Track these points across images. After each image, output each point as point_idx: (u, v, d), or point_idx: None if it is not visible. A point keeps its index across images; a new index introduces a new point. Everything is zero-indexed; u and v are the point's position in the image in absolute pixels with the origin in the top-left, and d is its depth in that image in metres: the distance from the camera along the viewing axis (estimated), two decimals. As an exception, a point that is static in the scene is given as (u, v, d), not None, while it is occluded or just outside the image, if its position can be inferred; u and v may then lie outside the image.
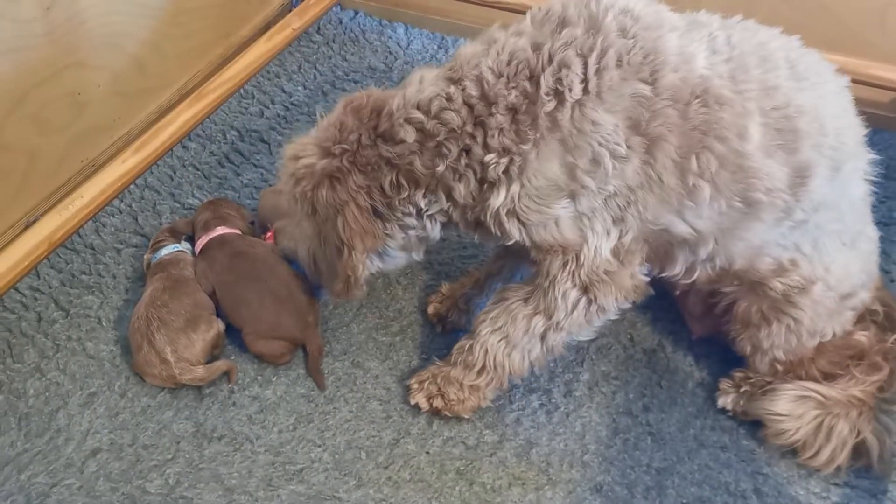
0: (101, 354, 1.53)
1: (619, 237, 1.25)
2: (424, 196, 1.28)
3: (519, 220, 1.24)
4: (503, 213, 1.24)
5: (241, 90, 2.08)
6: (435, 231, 1.35)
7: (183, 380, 1.43)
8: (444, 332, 1.59)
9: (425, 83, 1.24)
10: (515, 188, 1.22)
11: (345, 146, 1.26)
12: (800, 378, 1.42)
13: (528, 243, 1.28)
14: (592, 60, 1.16)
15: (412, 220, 1.32)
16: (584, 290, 1.30)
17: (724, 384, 1.48)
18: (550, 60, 1.17)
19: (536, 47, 1.19)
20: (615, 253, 1.27)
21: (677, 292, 1.51)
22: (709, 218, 1.24)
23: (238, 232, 1.63)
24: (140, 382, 1.48)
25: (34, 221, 1.58)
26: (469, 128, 1.21)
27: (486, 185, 1.25)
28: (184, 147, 1.97)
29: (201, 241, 1.61)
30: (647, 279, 1.34)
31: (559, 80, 1.16)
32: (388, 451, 1.41)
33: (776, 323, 1.37)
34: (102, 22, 1.75)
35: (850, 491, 1.37)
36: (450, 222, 1.34)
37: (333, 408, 1.47)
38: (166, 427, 1.43)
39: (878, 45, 1.94)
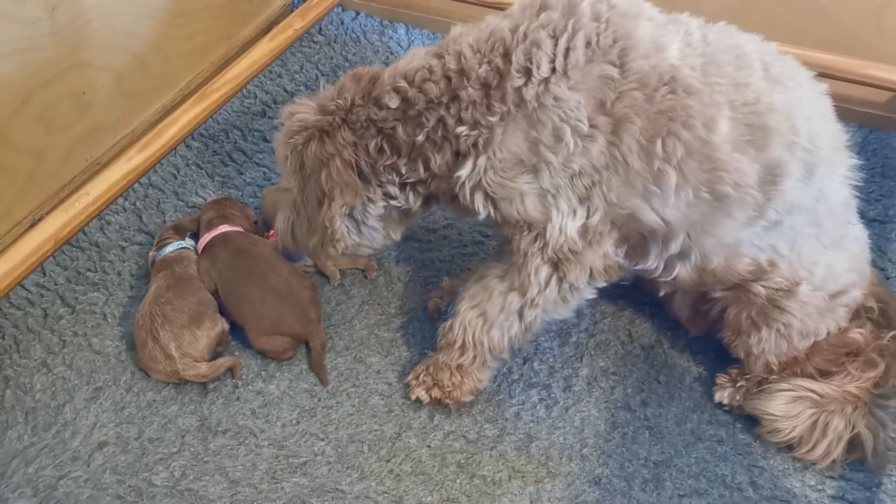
0: (106, 350, 1.55)
1: (586, 217, 1.27)
2: (405, 164, 1.34)
3: (485, 193, 1.29)
4: (469, 185, 1.29)
5: (244, 90, 2.10)
6: (416, 204, 1.40)
7: (186, 375, 1.45)
8: None
9: (415, 56, 1.32)
10: (482, 161, 1.26)
11: (339, 102, 1.33)
12: (796, 375, 1.43)
13: (497, 219, 1.32)
14: (562, 41, 1.21)
15: (394, 189, 1.38)
16: (555, 266, 1.32)
17: (721, 379, 1.50)
18: (524, 39, 1.23)
19: (514, 28, 1.25)
20: (582, 233, 1.28)
21: (661, 293, 1.52)
22: (676, 208, 1.25)
23: (241, 230, 1.65)
24: (145, 377, 1.50)
25: (40, 219, 1.60)
26: (445, 99, 1.27)
27: (459, 158, 1.30)
28: (187, 146, 1.99)
29: (204, 239, 1.63)
30: (622, 261, 1.35)
31: (529, 59, 1.21)
32: (389, 445, 1.43)
33: (766, 329, 1.39)
34: (107, 22, 1.77)
35: (845, 483, 1.38)
36: (430, 196, 1.40)
37: (336, 402, 1.49)
38: (171, 421, 1.44)
39: (874, 46, 1.96)
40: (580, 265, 1.31)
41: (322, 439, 1.43)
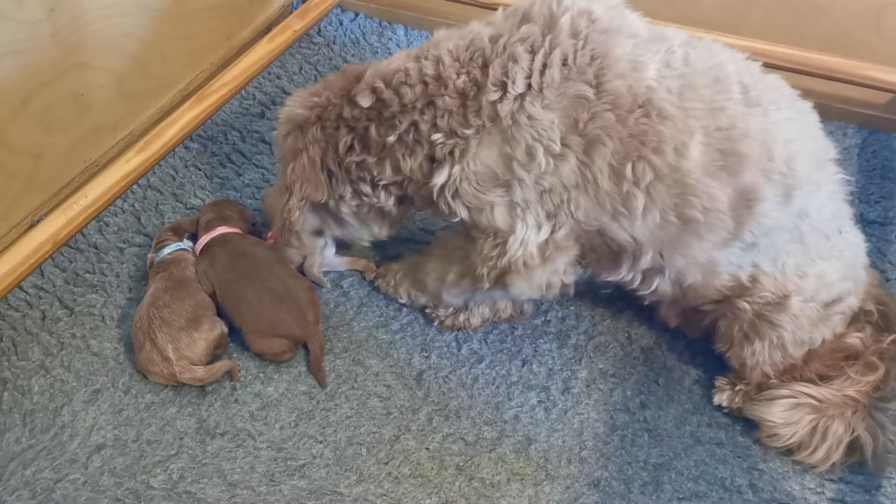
0: (104, 352, 1.55)
1: (551, 232, 1.29)
2: (375, 165, 1.37)
3: (463, 202, 1.31)
4: (447, 193, 1.31)
5: (243, 91, 2.10)
6: (389, 203, 1.43)
7: (183, 379, 1.45)
8: (443, 329, 1.61)
9: (396, 58, 1.34)
10: (457, 170, 1.28)
11: (316, 100, 1.37)
12: (795, 380, 1.43)
13: (469, 222, 1.34)
14: (539, 57, 1.21)
15: (366, 188, 1.41)
16: (502, 274, 1.35)
17: (720, 382, 1.50)
18: (502, 52, 1.23)
19: (494, 38, 1.25)
20: (542, 248, 1.30)
21: (646, 302, 1.51)
22: (645, 227, 1.26)
23: (239, 231, 1.65)
24: (143, 379, 1.50)
25: (39, 221, 1.60)
26: (420, 104, 1.28)
27: (434, 164, 1.31)
28: (186, 147, 1.98)
29: (202, 241, 1.63)
30: (570, 279, 1.38)
31: (505, 73, 1.22)
32: (388, 447, 1.43)
33: (758, 341, 1.39)
34: (106, 24, 1.77)
35: (845, 486, 1.38)
36: (405, 196, 1.42)
37: (334, 404, 1.48)
38: (170, 423, 1.44)
39: (873, 47, 1.96)
40: (526, 280, 1.34)
41: (320, 442, 1.43)
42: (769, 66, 1.85)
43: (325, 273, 1.68)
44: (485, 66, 1.24)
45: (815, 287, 1.34)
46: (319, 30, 2.40)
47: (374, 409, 1.48)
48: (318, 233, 1.58)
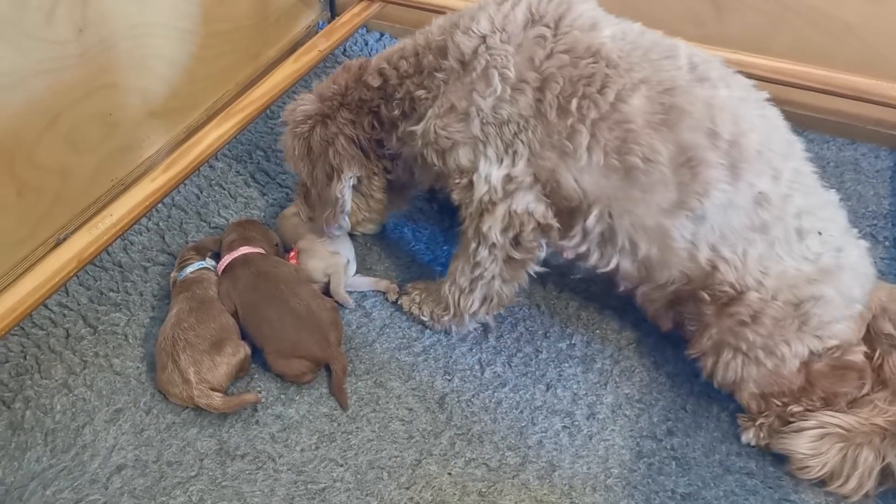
0: (127, 371, 1.55)
1: (512, 165, 1.37)
2: (386, 136, 1.54)
3: (434, 146, 1.43)
4: (422, 142, 1.44)
5: (268, 110, 2.10)
6: (406, 174, 1.60)
7: (199, 403, 1.44)
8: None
9: (398, 43, 1.52)
10: (430, 114, 1.42)
11: (335, 87, 1.54)
12: (809, 403, 1.39)
13: (443, 171, 1.46)
14: (506, 6, 1.38)
15: (388, 163, 1.59)
16: (477, 221, 1.44)
17: (741, 419, 1.47)
18: (476, 10, 1.40)
19: (479, 8, 1.41)
20: (504, 182, 1.38)
21: (621, 289, 1.54)
22: (590, 175, 1.34)
23: (262, 251, 1.64)
24: (165, 399, 1.49)
25: (64, 239, 1.60)
26: (412, 71, 1.45)
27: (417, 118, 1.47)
28: (210, 167, 1.99)
29: (225, 261, 1.62)
30: (550, 221, 1.41)
31: (474, 19, 1.39)
32: (409, 472, 1.40)
33: (727, 350, 1.38)
34: (134, 44, 1.79)
35: (880, 518, 1.34)
36: (410, 163, 1.56)
37: (356, 427, 1.47)
38: (190, 444, 1.43)
39: (905, 68, 1.93)
40: (493, 216, 1.41)
41: (341, 465, 1.41)
42: (797, 87, 1.86)
43: (349, 293, 1.67)
44: (458, 25, 1.41)
45: (777, 286, 1.34)
46: (345, 49, 2.41)
47: (396, 433, 1.46)
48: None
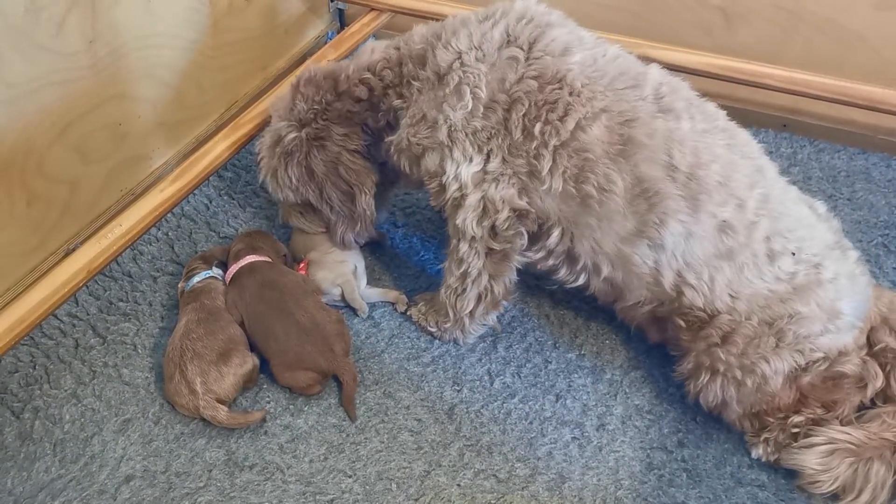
0: (136, 381, 1.55)
1: (485, 162, 1.39)
2: (377, 148, 1.56)
3: (407, 153, 1.46)
4: (395, 149, 1.48)
5: (277, 121, 2.11)
6: (393, 175, 1.63)
7: (204, 414, 1.43)
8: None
9: (375, 50, 1.52)
10: (404, 122, 1.45)
11: (315, 108, 1.53)
12: (811, 416, 1.39)
13: (415, 176, 1.50)
14: (486, 24, 1.40)
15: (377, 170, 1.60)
16: (452, 216, 1.45)
17: (748, 436, 1.45)
18: (459, 24, 1.42)
19: (461, 23, 1.43)
20: (475, 178, 1.40)
21: (600, 301, 1.56)
22: (550, 197, 1.37)
23: (268, 259, 1.64)
24: (173, 410, 1.49)
25: (74, 249, 1.61)
26: (395, 80, 1.47)
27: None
28: (220, 177, 2.00)
29: (232, 270, 1.63)
30: (515, 204, 1.40)
31: (454, 34, 1.41)
32: (418, 483, 1.40)
33: (704, 373, 1.38)
34: (143, 55, 1.80)
35: (894, 532, 1.33)
36: (397, 171, 1.58)
37: (364, 438, 1.46)
38: (199, 455, 1.43)
39: (917, 77, 1.92)
40: (464, 207, 1.41)
41: (350, 476, 1.41)
42: (810, 97, 1.85)
43: None
44: (440, 38, 1.42)
45: (749, 308, 1.34)
46: (353, 60, 2.41)
47: (405, 444, 1.46)
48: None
